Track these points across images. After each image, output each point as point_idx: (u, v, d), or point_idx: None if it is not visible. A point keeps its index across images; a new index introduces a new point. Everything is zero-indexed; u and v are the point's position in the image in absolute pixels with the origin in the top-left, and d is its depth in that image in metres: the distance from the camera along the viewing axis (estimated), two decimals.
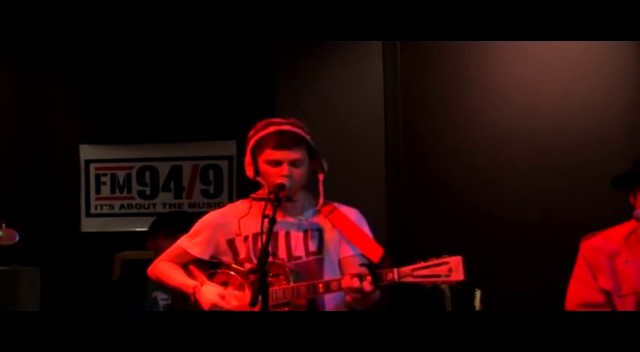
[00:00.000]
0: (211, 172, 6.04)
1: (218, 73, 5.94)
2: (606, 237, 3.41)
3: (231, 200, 5.83)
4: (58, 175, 6.17)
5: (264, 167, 3.27)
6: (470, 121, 5.13)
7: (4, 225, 3.80)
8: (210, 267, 3.40)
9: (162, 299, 4.31)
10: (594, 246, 3.41)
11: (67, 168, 6.16)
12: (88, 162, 6.17)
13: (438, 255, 3.00)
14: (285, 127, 3.26)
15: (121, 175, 6.14)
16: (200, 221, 3.47)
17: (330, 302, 3.25)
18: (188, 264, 3.43)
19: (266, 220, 3.05)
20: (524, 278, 4.85)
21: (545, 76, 5.00)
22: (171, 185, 6.08)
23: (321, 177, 3.34)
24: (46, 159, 6.15)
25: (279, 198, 3.14)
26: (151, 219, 4.94)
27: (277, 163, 3.23)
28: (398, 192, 5.17)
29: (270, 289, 3.10)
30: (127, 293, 4.36)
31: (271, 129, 3.26)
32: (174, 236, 4.21)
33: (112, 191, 6.14)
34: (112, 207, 6.14)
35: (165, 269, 3.45)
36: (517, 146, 5.02)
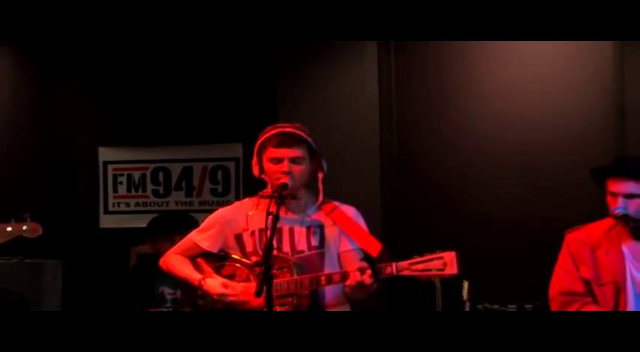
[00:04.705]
0: (220, 172, 6.04)
1: (226, 81, 5.95)
2: (589, 230, 3.43)
3: (237, 198, 5.82)
4: (78, 175, 6.17)
5: (267, 165, 3.27)
6: (459, 123, 5.14)
7: (28, 220, 3.80)
8: (218, 260, 3.39)
9: (169, 293, 4.30)
10: (578, 239, 3.42)
11: (86, 168, 6.16)
12: (106, 163, 6.17)
13: (431, 250, 3.01)
14: (288, 129, 3.27)
15: (136, 175, 6.15)
16: (210, 217, 3.46)
17: (330, 292, 3.25)
18: (197, 256, 3.42)
19: (270, 217, 3.05)
20: (509, 270, 4.86)
21: (531, 81, 5.01)
22: (183, 184, 6.08)
23: (320, 175, 3.34)
24: (68, 161, 6.16)
25: (283, 197, 3.14)
26: None
27: (278, 160, 3.23)
28: (391, 191, 5.17)
29: (275, 281, 3.10)
30: (135, 288, 4.34)
31: (275, 130, 3.27)
32: (171, 238, 4.21)
33: (128, 190, 6.15)
34: (128, 204, 6.15)
35: (175, 262, 3.43)
36: (503, 147, 5.03)
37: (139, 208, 6.11)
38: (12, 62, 6.22)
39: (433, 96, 5.21)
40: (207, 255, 3.41)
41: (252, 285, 3.13)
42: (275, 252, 3.15)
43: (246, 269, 3.31)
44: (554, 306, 3.43)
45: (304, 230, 3.30)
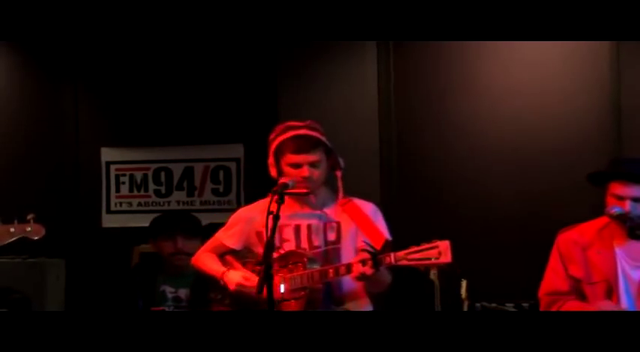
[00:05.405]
0: (221, 173, 6.05)
1: (227, 82, 5.96)
2: (581, 230, 3.44)
3: (238, 198, 5.89)
4: (81, 175, 6.18)
5: (286, 169, 3.33)
6: (458, 123, 5.16)
7: (32, 221, 3.81)
8: (244, 257, 3.49)
9: (170, 292, 4.32)
10: (569, 238, 3.44)
11: (89, 169, 6.17)
12: (108, 164, 6.18)
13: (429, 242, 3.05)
14: (303, 132, 3.31)
15: (138, 175, 6.15)
16: (233, 216, 3.57)
17: (347, 285, 3.30)
18: (225, 254, 3.52)
19: (270, 216, 3.08)
20: (507, 268, 4.87)
21: (529, 81, 5.02)
22: (185, 184, 6.09)
23: (338, 174, 3.40)
24: (71, 161, 6.16)
25: (283, 196, 3.17)
26: None
27: (298, 166, 3.30)
28: (391, 191, 5.18)
29: (290, 275, 3.25)
30: (137, 287, 4.35)
31: (290, 133, 3.32)
32: (173, 238, 4.23)
33: (131, 190, 6.16)
34: (130, 204, 6.15)
35: (204, 259, 3.56)
36: (501, 147, 5.05)
37: (141, 208, 6.11)
38: (15, 63, 6.23)
39: (432, 95, 5.22)
40: (235, 252, 3.51)
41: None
42: (293, 248, 3.31)
43: None
44: (541, 307, 3.47)
45: (321, 226, 3.37)
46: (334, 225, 3.37)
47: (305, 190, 3.31)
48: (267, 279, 2.98)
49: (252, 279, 3.29)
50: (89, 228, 6.13)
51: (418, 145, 5.23)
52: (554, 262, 3.45)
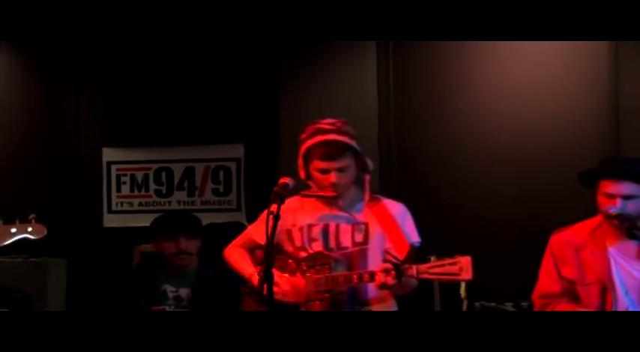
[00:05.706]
0: (221, 173, 6.06)
1: (227, 83, 5.97)
2: (574, 230, 3.42)
3: (239, 198, 5.91)
4: (82, 175, 6.19)
5: (315, 173, 3.33)
6: (457, 123, 5.16)
7: (33, 221, 3.81)
8: (276, 252, 3.47)
9: (171, 291, 4.32)
10: (562, 240, 3.42)
11: (90, 169, 6.18)
12: (109, 164, 6.19)
13: (450, 254, 3.04)
14: (332, 137, 3.28)
15: (139, 175, 6.16)
16: (264, 212, 3.53)
17: (372, 287, 3.28)
18: (255, 248, 3.51)
19: (271, 216, 3.08)
20: (506, 268, 4.87)
21: (528, 81, 5.02)
22: (185, 184, 6.10)
23: (367, 177, 3.39)
24: (72, 161, 6.18)
25: (283, 197, 3.16)
26: None
27: (326, 171, 3.29)
28: (390, 191, 5.17)
29: (316, 276, 3.25)
30: (138, 287, 4.36)
31: (319, 138, 3.29)
32: (175, 237, 4.23)
33: (132, 190, 6.17)
34: (131, 204, 6.16)
35: (234, 255, 3.56)
36: (500, 147, 5.05)
37: (141, 208, 6.12)
38: (16, 63, 6.24)
39: (431, 95, 5.23)
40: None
41: (298, 280, 3.28)
42: (321, 249, 3.31)
43: (294, 263, 3.38)
44: (535, 309, 3.46)
45: (349, 227, 3.36)
46: (362, 226, 3.36)
47: (331, 193, 3.31)
48: (267, 279, 2.98)
49: (281, 284, 3.27)
50: (90, 228, 6.15)
51: (417, 145, 5.23)
52: (546, 264, 3.43)
